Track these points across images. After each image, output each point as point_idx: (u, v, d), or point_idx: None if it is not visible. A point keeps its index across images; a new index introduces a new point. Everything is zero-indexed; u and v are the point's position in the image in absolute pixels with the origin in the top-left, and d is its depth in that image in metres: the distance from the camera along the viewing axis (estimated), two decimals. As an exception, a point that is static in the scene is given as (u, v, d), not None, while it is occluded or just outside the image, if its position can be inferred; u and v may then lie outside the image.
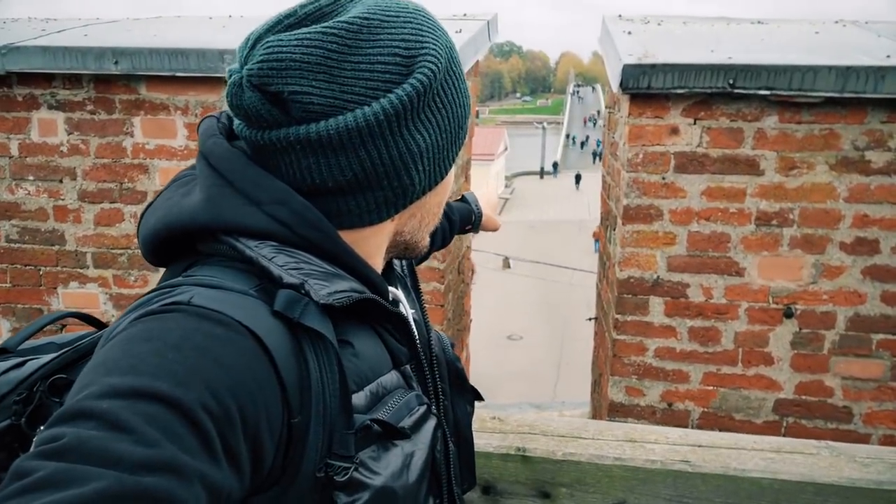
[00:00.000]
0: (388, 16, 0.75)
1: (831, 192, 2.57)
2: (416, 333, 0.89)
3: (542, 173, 53.85)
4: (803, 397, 2.74)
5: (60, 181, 3.05)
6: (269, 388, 0.65)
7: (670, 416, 2.85)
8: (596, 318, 3.63)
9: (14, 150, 3.04)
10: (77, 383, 0.59)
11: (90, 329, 0.93)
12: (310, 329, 0.69)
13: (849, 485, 1.49)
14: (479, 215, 1.66)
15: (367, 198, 0.78)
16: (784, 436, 2.77)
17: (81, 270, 3.13)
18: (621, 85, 2.58)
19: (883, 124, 2.50)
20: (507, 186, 47.12)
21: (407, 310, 0.91)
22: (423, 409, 0.81)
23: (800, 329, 2.69)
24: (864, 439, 2.72)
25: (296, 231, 0.75)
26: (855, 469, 1.51)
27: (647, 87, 2.55)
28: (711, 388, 2.80)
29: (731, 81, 2.49)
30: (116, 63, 2.81)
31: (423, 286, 2.90)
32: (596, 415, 3.53)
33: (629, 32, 3.01)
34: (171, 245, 0.79)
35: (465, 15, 3.46)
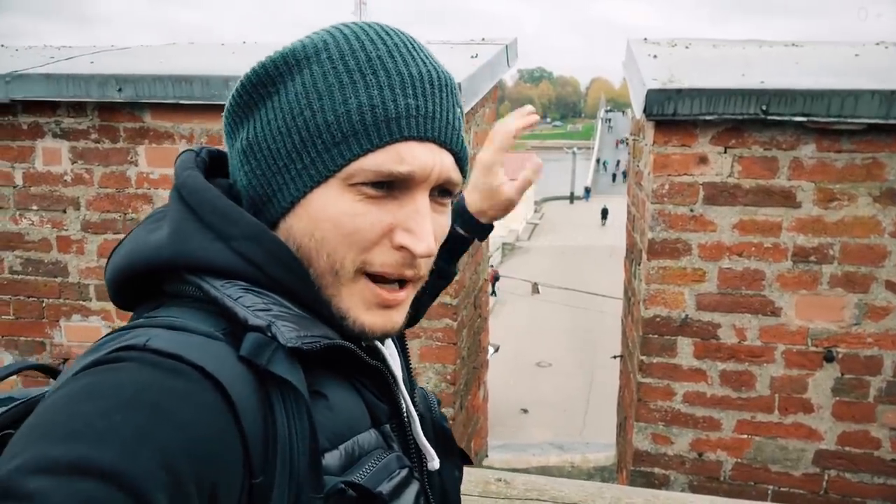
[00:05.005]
0: None
1: (875, 226, 2.37)
2: (400, 390, 0.82)
3: (572, 198, 53.55)
4: (847, 449, 2.51)
5: (64, 211, 2.96)
6: (229, 447, 0.58)
7: (700, 467, 2.64)
8: (621, 357, 3.43)
9: (18, 180, 2.97)
10: (10, 446, 0.52)
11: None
12: (278, 377, 0.63)
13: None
14: (463, 212, 1.15)
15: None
16: (826, 491, 2.54)
17: (84, 303, 3.03)
18: (645, 111, 2.42)
19: (932, 153, 2.30)
20: (536, 211, 46.92)
21: (392, 365, 0.82)
22: (404, 472, 0.73)
23: (842, 374, 2.47)
24: (915, 497, 2.48)
25: (266, 271, 0.70)
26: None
27: (673, 114, 2.39)
28: (745, 436, 2.58)
29: (763, 107, 2.31)
30: (120, 90, 2.72)
31: (435, 323, 2.75)
32: (620, 461, 3.31)
33: (654, 56, 2.85)
34: (138, 285, 0.73)
35: (483, 40, 3.33)
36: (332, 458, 0.67)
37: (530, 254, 33.45)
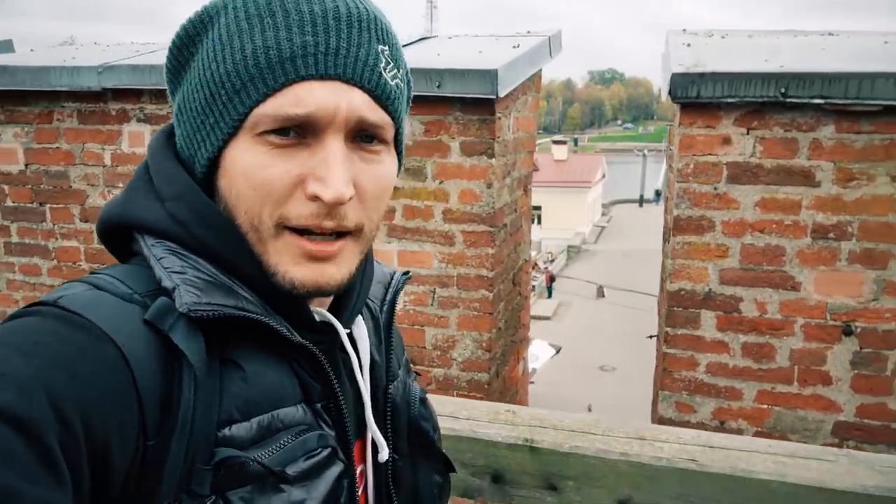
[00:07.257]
0: None
1: (893, 204, 2.46)
2: (356, 374, 0.81)
3: (641, 201, 52.67)
4: (865, 421, 2.60)
5: (146, 188, 3.31)
6: (123, 405, 0.59)
7: (722, 434, 2.76)
8: (657, 337, 3.57)
9: (107, 160, 3.34)
10: None
11: None
12: (174, 344, 0.64)
13: (863, 492, 1.44)
14: None
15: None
16: (844, 461, 2.63)
17: (162, 271, 3.37)
18: (670, 94, 2.57)
19: (951, 134, 2.38)
20: (603, 214, 46.40)
21: (356, 347, 0.82)
22: (325, 452, 0.70)
23: (860, 348, 2.56)
24: (933, 469, 2.54)
25: (191, 231, 0.70)
26: (871, 477, 1.46)
27: (697, 97, 2.54)
28: (766, 406, 2.70)
29: (782, 90, 2.44)
30: (195, 79, 3.04)
31: (472, 294, 2.96)
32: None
33: (688, 45, 3.00)
34: (121, 244, 0.76)
35: (528, 32, 3.53)
36: (240, 430, 0.66)
37: (596, 257, 33.13)
